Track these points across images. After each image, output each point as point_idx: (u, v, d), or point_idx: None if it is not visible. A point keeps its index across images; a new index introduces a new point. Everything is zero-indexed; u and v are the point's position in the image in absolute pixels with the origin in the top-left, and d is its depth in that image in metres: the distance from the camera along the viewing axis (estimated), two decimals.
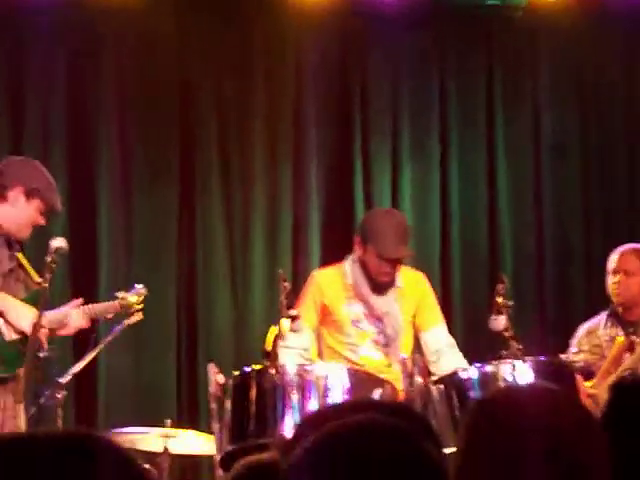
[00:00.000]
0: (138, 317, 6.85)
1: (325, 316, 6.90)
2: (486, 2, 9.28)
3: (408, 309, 7.00)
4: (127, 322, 6.85)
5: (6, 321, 6.29)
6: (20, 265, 6.43)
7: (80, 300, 6.73)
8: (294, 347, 6.43)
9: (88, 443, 1.92)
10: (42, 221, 6.60)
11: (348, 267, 6.99)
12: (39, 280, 6.32)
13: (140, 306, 6.82)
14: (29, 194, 6.53)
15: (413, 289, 7.06)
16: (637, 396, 3.15)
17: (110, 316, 6.79)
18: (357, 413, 2.57)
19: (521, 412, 2.23)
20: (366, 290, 6.92)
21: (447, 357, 6.86)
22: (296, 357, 6.58)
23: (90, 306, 6.71)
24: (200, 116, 9.11)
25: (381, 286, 6.93)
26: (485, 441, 2.24)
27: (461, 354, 6.92)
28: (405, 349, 6.87)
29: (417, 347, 7.03)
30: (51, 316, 6.53)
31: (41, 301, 6.22)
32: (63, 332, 6.64)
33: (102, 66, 8.94)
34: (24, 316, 6.24)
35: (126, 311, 6.79)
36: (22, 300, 6.35)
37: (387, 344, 6.91)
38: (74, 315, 6.60)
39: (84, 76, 8.95)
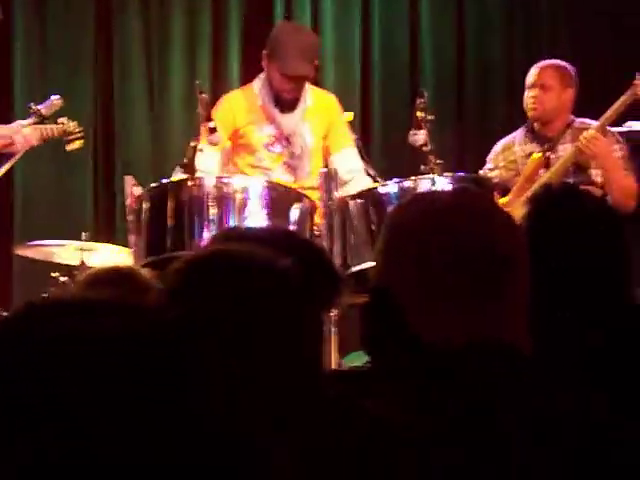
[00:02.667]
0: (79, 144, 6.88)
1: (236, 139, 6.78)
2: None
3: (317, 130, 6.90)
4: (68, 148, 6.84)
5: None
6: None
7: (25, 121, 6.69)
8: (202, 171, 6.27)
9: None
10: None
11: (257, 88, 6.87)
12: None
13: (81, 133, 6.84)
14: None
15: (323, 110, 6.96)
16: (553, 204, 3.25)
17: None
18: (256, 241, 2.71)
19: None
20: (273, 109, 6.80)
21: (359, 178, 6.79)
22: None
23: (39, 126, 6.68)
24: None
25: (287, 104, 6.80)
26: (400, 245, 2.23)
27: (368, 168, 6.85)
28: (314, 171, 6.77)
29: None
30: None
31: None
32: (11, 149, 6.63)
33: None
34: None
35: (67, 137, 6.78)
36: None
37: (297, 167, 6.83)
38: (26, 131, 6.60)
39: None
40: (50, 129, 6.72)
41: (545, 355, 2.44)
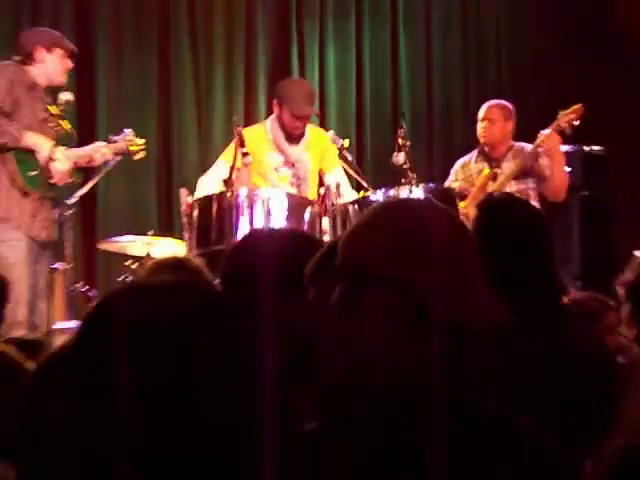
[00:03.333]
0: (142, 155, 6.74)
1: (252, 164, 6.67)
2: None
3: (314, 157, 6.86)
4: (135, 157, 6.71)
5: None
6: (52, 115, 6.22)
7: (103, 142, 6.63)
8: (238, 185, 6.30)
9: None
10: (70, 64, 6.44)
11: (268, 125, 6.84)
12: (67, 127, 6.28)
13: (144, 146, 6.71)
14: (49, 48, 6.34)
15: (318, 143, 6.90)
16: (494, 209, 3.27)
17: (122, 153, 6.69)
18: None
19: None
20: (283, 142, 6.78)
21: (346, 190, 6.74)
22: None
23: (111, 145, 6.58)
24: (174, 9, 8.92)
25: (294, 138, 6.79)
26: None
27: (354, 191, 6.85)
28: (313, 189, 6.80)
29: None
30: (80, 152, 6.43)
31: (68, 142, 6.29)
32: (93, 164, 6.53)
33: None
34: (44, 151, 6.09)
35: (133, 151, 6.66)
36: (55, 141, 6.17)
37: (299, 185, 6.79)
38: (104, 149, 6.50)
39: None
40: (121, 144, 6.62)
41: None
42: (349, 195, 6.68)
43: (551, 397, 2.75)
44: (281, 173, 6.81)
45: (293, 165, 6.81)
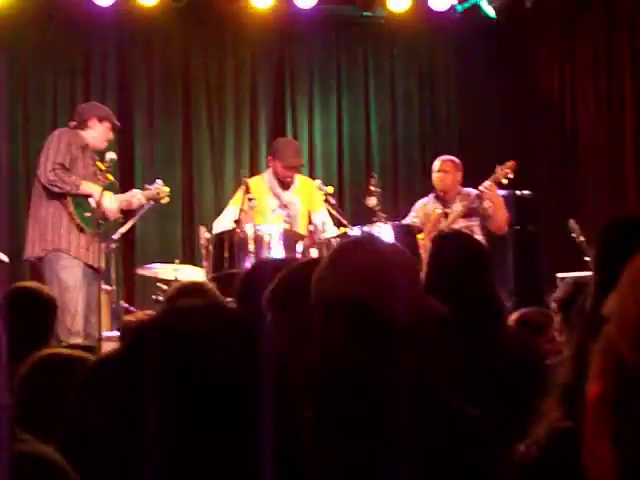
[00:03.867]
0: (167, 200, 6.77)
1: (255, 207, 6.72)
2: (362, 14, 9.07)
3: (303, 200, 6.88)
4: (162, 202, 6.73)
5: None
6: (100, 170, 6.25)
7: (138, 190, 6.67)
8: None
9: None
10: (112, 136, 6.48)
11: (266, 176, 6.88)
12: (111, 179, 6.33)
13: (167, 192, 6.72)
14: (100, 119, 6.39)
15: (305, 188, 6.93)
16: (443, 243, 3.20)
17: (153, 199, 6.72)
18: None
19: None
20: (277, 188, 6.81)
21: (329, 227, 6.75)
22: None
23: (145, 192, 6.61)
24: (194, 86, 8.95)
25: (286, 185, 6.81)
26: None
27: (334, 227, 6.82)
28: (302, 226, 6.80)
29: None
30: (122, 197, 6.47)
31: (112, 191, 6.35)
32: (131, 207, 6.57)
33: (135, 54, 8.83)
34: (96, 196, 6.13)
35: (160, 197, 6.68)
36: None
37: (291, 222, 6.81)
38: (139, 195, 6.51)
39: (127, 59, 8.80)
40: (152, 192, 6.64)
41: None
42: (332, 231, 6.69)
43: (489, 389, 2.69)
44: (277, 213, 6.82)
45: (286, 206, 6.83)
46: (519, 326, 4.20)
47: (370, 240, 2.29)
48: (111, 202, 6.26)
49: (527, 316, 4.44)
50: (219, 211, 8.69)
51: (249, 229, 6.14)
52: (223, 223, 6.69)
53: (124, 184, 7.31)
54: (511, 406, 2.67)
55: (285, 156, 6.73)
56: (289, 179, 6.80)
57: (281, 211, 6.84)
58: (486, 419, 1.86)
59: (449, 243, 3.23)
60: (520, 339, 3.07)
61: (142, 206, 6.67)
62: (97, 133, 6.37)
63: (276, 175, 6.80)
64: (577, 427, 1.51)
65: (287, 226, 6.71)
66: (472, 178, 7.23)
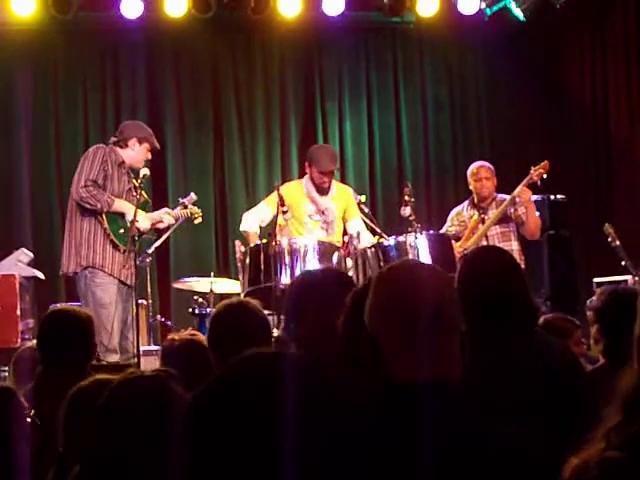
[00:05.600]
0: (199, 220, 6.78)
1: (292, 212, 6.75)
2: (391, 19, 9.05)
3: (339, 207, 6.87)
4: (195, 222, 6.76)
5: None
6: (134, 186, 6.27)
7: (165, 210, 6.69)
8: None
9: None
10: (149, 156, 6.52)
11: (304, 182, 6.88)
12: (145, 197, 6.37)
13: (200, 213, 6.73)
14: (140, 141, 6.43)
15: (342, 195, 6.92)
16: (477, 259, 3.18)
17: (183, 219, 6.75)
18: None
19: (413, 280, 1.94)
20: (314, 194, 6.80)
21: (365, 236, 6.76)
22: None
23: (174, 211, 6.65)
24: (224, 96, 8.98)
25: (322, 191, 6.80)
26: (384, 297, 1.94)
27: (369, 234, 6.85)
28: (338, 232, 6.81)
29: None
30: (154, 215, 6.53)
31: (145, 208, 6.41)
32: (161, 226, 6.59)
33: (164, 65, 8.86)
34: (129, 215, 6.15)
35: (194, 217, 6.71)
36: (137, 207, 6.21)
37: (328, 228, 6.81)
38: (167, 217, 6.56)
39: (156, 71, 8.83)
40: (183, 213, 6.68)
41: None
42: (368, 239, 6.70)
43: (535, 404, 2.69)
44: (314, 219, 6.82)
45: (323, 212, 6.82)
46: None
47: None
48: (144, 221, 6.30)
49: (549, 323, 4.44)
50: None
51: (284, 242, 6.15)
52: (252, 220, 6.73)
53: (157, 198, 7.36)
54: (551, 413, 2.70)
55: (320, 162, 6.75)
56: (325, 184, 6.81)
57: (318, 217, 6.85)
58: (532, 441, 1.86)
59: (479, 261, 3.17)
60: (555, 347, 3.03)
61: (176, 221, 6.70)
62: (135, 153, 6.42)
63: (312, 181, 6.82)
64: (630, 458, 1.52)
65: (323, 231, 6.72)
66: (503, 182, 7.21)
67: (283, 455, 1.30)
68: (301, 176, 7.85)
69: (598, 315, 3.84)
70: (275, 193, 6.43)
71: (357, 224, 6.86)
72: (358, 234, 6.63)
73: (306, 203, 6.81)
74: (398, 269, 1.97)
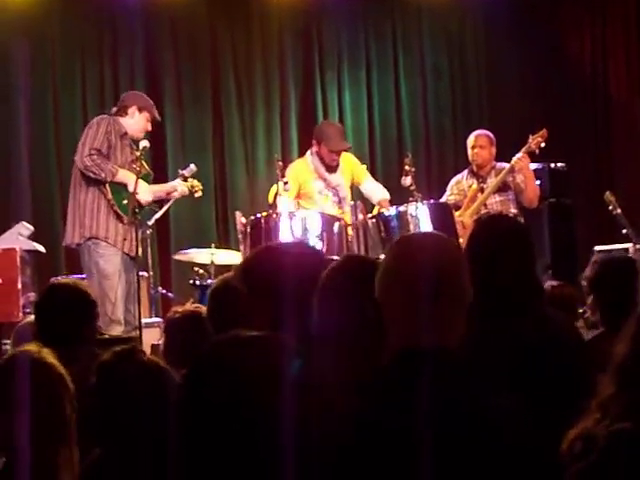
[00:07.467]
0: (200, 194, 6.70)
1: (300, 190, 6.75)
2: None
3: (347, 178, 6.86)
4: (195, 196, 6.67)
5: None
6: (137, 158, 6.19)
7: (178, 181, 6.62)
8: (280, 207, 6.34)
9: None
10: (149, 127, 6.47)
11: (309, 159, 6.83)
12: (147, 169, 6.32)
13: (200, 187, 6.65)
14: (140, 109, 6.39)
15: (347, 164, 6.91)
16: (486, 226, 3.12)
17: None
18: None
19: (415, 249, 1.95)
20: (323, 172, 6.78)
21: (380, 190, 6.90)
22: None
23: (186, 183, 6.58)
24: (223, 68, 8.92)
25: (332, 168, 6.79)
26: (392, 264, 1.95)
27: (381, 185, 6.96)
28: (348, 209, 6.79)
29: (358, 198, 7.03)
30: (158, 187, 6.50)
31: (147, 180, 6.34)
32: (175, 195, 6.54)
33: (162, 38, 8.82)
34: (131, 185, 6.12)
35: (194, 191, 6.64)
36: (138, 178, 6.16)
37: (340, 202, 6.80)
38: (181, 186, 6.52)
39: (154, 44, 8.79)
40: (187, 187, 6.60)
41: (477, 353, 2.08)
42: (383, 193, 6.86)
43: (538, 378, 2.67)
44: (324, 194, 6.80)
45: (334, 189, 6.81)
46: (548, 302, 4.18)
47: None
48: (146, 193, 6.25)
49: (552, 292, 4.43)
50: (252, 194, 8.71)
51: (284, 213, 6.14)
52: (286, 202, 6.58)
53: (156, 170, 7.31)
54: (554, 387, 2.68)
55: (332, 140, 6.71)
56: (335, 162, 6.79)
57: (327, 191, 6.83)
58: (522, 410, 1.85)
59: (487, 228, 3.14)
60: (559, 321, 3.00)
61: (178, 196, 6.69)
62: (135, 122, 6.38)
63: (321, 159, 6.78)
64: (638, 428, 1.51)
65: (335, 206, 6.71)
66: (503, 149, 7.20)
67: (278, 437, 1.30)
68: (301, 147, 7.83)
69: (592, 285, 3.86)
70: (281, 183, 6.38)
71: (370, 183, 6.94)
72: (374, 192, 6.79)
73: (314, 180, 6.79)
74: (407, 236, 2.05)
